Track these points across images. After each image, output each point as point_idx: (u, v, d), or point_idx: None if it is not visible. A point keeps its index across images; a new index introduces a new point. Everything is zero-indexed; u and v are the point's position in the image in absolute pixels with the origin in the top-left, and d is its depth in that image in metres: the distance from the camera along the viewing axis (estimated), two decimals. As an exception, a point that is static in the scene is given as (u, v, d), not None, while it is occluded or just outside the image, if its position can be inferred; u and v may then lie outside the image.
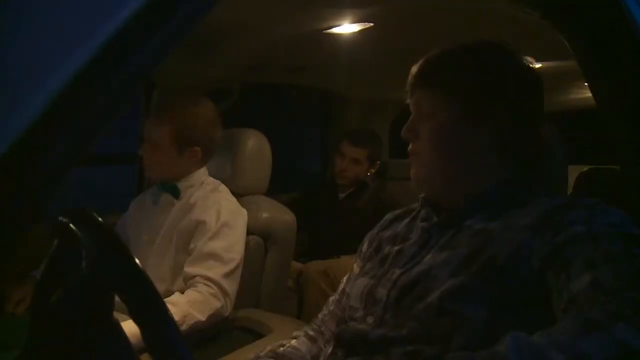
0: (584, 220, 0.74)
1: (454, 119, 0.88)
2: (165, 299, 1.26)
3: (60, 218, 0.61)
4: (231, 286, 1.53)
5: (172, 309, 1.14)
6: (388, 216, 1.07)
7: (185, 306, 1.43)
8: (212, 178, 1.72)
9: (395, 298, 0.85)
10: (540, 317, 0.68)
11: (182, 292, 1.48)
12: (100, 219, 0.59)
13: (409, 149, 0.94)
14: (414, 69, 0.94)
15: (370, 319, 0.87)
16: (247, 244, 1.64)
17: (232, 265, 1.54)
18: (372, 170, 2.63)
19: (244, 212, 1.67)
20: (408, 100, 0.95)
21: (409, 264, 0.88)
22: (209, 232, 1.54)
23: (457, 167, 0.90)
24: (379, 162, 2.67)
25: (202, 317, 1.45)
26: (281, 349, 1.01)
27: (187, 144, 1.63)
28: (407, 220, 1.00)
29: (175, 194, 1.66)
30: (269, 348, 1.02)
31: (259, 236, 1.75)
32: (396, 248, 0.94)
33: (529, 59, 0.94)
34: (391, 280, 0.87)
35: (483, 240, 0.81)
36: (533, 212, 0.80)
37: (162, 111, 1.63)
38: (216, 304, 1.48)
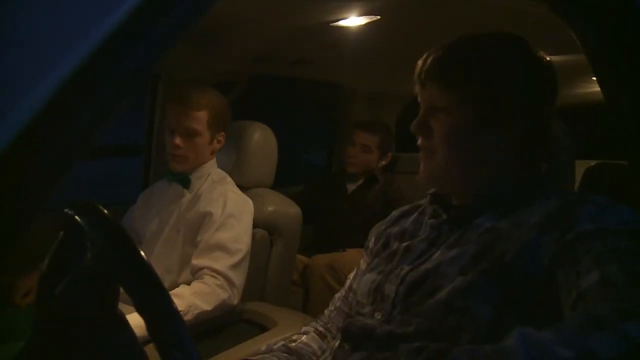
0: (593, 217, 0.73)
1: (469, 118, 0.86)
2: (170, 292, 1.26)
3: (66, 210, 0.61)
4: (238, 277, 1.54)
5: (176, 301, 1.15)
6: (395, 212, 1.06)
7: (190, 297, 1.44)
8: (219, 169, 1.73)
9: (404, 294, 0.84)
10: (547, 315, 0.68)
11: (189, 284, 1.49)
12: (105, 211, 0.59)
13: (418, 143, 0.92)
14: (424, 62, 0.90)
15: (378, 315, 0.86)
16: (252, 237, 1.65)
17: (238, 256, 1.54)
18: (383, 162, 2.63)
19: (250, 203, 1.67)
20: (417, 92, 0.92)
21: (418, 261, 0.87)
22: (215, 223, 1.55)
23: (469, 166, 0.89)
24: (390, 155, 2.66)
25: (208, 307, 1.46)
26: (293, 344, 1.01)
27: (218, 130, 1.66)
28: (414, 216, 0.99)
29: (186, 184, 1.66)
30: (281, 342, 1.02)
31: (265, 229, 1.75)
32: (404, 244, 0.93)
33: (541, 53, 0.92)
34: (399, 276, 0.86)
35: (492, 238, 0.80)
36: (542, 210, 0.79)
37: (195, 97, 1.61)
38: (223, 294, 1.49)
